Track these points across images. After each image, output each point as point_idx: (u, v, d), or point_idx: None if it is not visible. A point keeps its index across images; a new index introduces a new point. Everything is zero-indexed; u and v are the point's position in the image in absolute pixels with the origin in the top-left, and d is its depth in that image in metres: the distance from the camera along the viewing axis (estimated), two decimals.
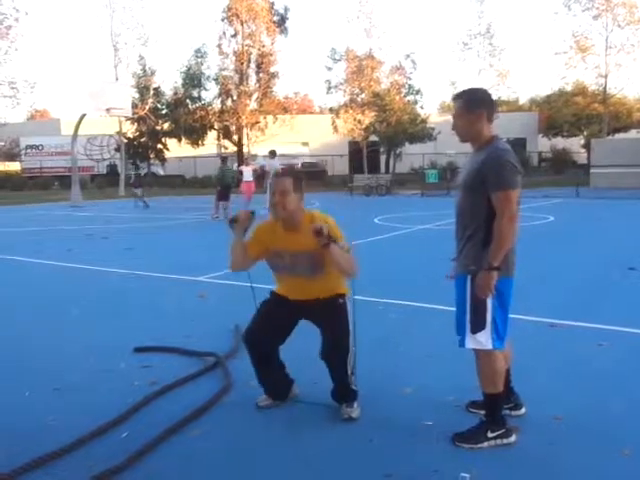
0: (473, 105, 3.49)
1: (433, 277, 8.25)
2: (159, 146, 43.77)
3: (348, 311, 3.93)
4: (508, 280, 3.47)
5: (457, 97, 3.60)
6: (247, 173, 21.35)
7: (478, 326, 3.45)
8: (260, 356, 4.05)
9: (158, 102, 41.65)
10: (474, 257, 3.43)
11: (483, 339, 3.46)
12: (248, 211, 4.06)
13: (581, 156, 47.20)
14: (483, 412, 3.67)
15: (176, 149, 42.94)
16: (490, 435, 3.51)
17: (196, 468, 3.36)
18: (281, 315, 4.04)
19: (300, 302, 3.99)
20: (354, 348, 3.89)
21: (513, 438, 3.55)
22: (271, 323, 4.02)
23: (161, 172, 46.17)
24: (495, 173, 3.32)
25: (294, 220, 3.87)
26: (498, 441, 3.52)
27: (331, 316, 3.90)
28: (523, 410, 3.90)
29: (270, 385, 4.15)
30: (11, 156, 48.43)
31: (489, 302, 3.42)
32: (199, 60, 41.19)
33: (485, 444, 3.49)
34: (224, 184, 19.08)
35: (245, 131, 38.91)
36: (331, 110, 42.95)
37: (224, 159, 20.55)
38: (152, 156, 44.49)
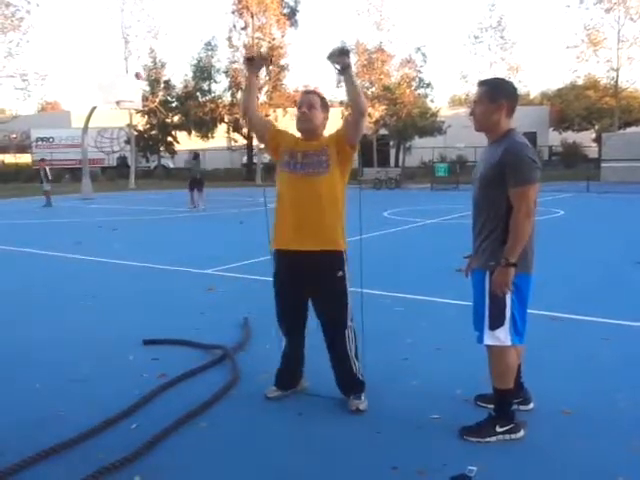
0: (495, 95, 3.43)
1: (442, 271, 8.29)
2: (169, 139, 43.81)
3: (347, 282, 3.92)
4: (527, 277, 3.46)
5: (482, 84, 3.55)
6: None
7: (497, 322, 3.42)
8: (294, 335, 4.11)
9: (168, 95, 41.65)
10: (493, 253, 3.40)
11: (502, 335, 3.43)
12: (264, 53, 4.09)
13: (592, 150, 46.85)
14: (492, 406, 3.68)
15: (186, 142, 42.99)
16: (499, 430, 3.51)
17: (205, 460, 3.38)
18: (294, 293, 4.02)
19: (302, 257, 3.88)
20: (352, 324, 3.92)
21: (521, 433, 3.54)
22: (292, 305, 4.05)
23: (171, 165, 46.24)
24: (513, 168, 3.29)
25: (315, 135, 3.93)
26: (506, 436, 3.51)
27: (330, 290, 3.90)
28: (532, 405, 3.90)
29: (290, 367, 4.17)
30: (22, 148, 48.59)
31: (508, 298, 3.39)
32: (209, 53, 41.12)
33: (493, 438, 3.49)
34: (192, 177, 20.50)
35: None
36: (341, 103, 42.82)
37: (196, 155, 21.20)
38: (162, 149, 44.56)
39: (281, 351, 4.19)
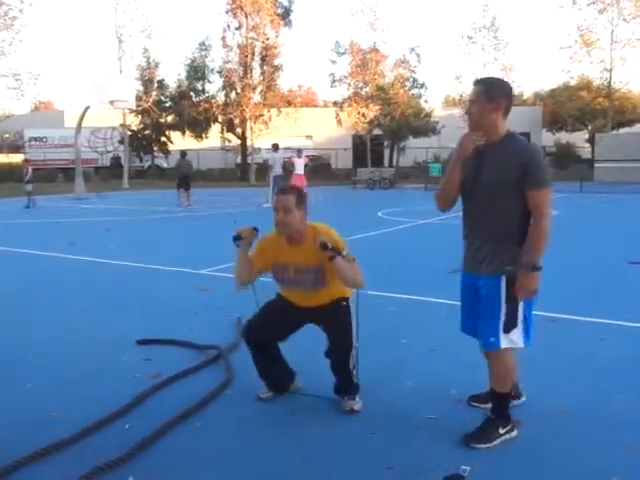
0: (493, 94, 3.33)
1: (436, 271, 8.29)
2: (163, 139, 43.75)
3: (351, 310, 3.94)
4: None
5: (478, 82, 3.43)
6: (299, 166, 20.81)
7: (511, 325, 3.39)
8: (260, 351, 4.08)
9: (162, 95, 41.61)
10: (511, 258, 3.34)
11: (516, 337, 3.41)
12: (251, 228, 4.07)
13: (585, 151, 47.01)
14: (484, 406, 3.70)
15: (180, 142, 42.91)
16: (501, 432, 3.50)
17: (198, 460, 3.37)
18: (285, 316, 4.07)
19: (305, 308, 4.03)
20: (357, 344, 3.90)
21: (515, 432, 3.55)
22: (272, 320, 4.06)
23: (165, 165, 46.18)
24: (534, 170, 3.24)
25: (298, 235, 3.90)
26: (506, 436, 3.51)
27: (335, 318, 3.92)
28: (523, 398, 3.90)
29: (270, 378, 4.17)
30: (15, 148, 48.42)
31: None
32: (203, 53, 41.11)
33: (498, 441, 3.47)
34: (181, 175, 21.47)
35: (249, 124, 38.80)
36: (335, 103, 42.86)
37: (183, 154, 21.82)
38: (156, 149, 44.49)
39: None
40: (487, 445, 3.44)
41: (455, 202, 3.64)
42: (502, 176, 3.30)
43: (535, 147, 3.35)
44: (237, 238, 4.03)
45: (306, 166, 21.33)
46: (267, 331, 4.05)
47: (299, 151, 21.37)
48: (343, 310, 3.93)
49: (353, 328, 3.90)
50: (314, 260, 3.81)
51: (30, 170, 22.24)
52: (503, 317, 3.38)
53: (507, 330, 3.39)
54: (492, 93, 3.34)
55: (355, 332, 3.90)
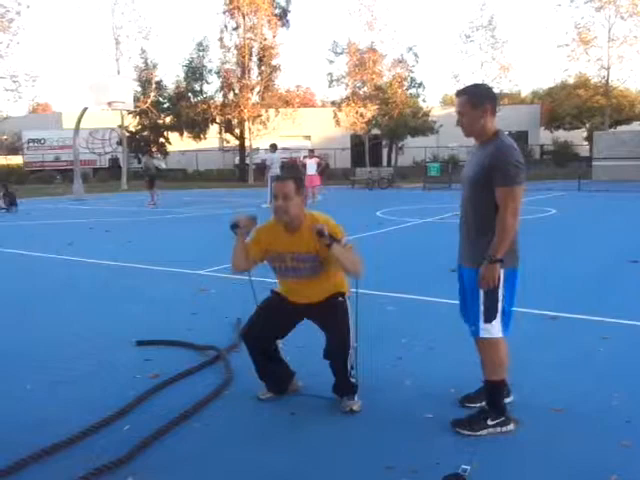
0: (477, 101, 3.53)
1: (435, 270, 8.30)
2: (161, 140, 43.70)
3: (348, 308, 3.93)
4: (515, 271, 3.56)
5: (460, 93, 3.64)
6: (310, 166, 21.10)
7: (491, 316, 3.53)
8: (259, 352, 4.07)
9: (160, 95, 41.54)
10: (485, 251, 3.48)
11: (495, 328, 3.54)
12: (249, 216, 4.04)
13: (583, 149, 47.05)
14: (479, 405, 3.75)
15: (178, 143, 42.88)
16: (490, 423, 3.55)
17: (198, 460, 3.37)
18: (282, 313, 4.06)
19: (301, 304, 4.02)
20: (356, 344, 3.90)
21: (512, 426, 3.58)
22: (271, 320, 4.04)
23: (163, 165, 46.12)
24: (500, 169, 3.38)
25: (296, 222, 3.89)
26: (497, 429, 3.55)
27: (331, 315, 3.91)
28: (511, 397, 3.92)
29: (270, 379, 4.17)
30: (13, 150, 48.42)
31: (500, 292, 3.49)
32: (201, 53, 41.04)
33: (484, 432, 3.52)
34: (149, 174, 22.40)
35: (247, 124, 38.81)
36: (333, 103, 42.88)
37: (150, 153, 21.87)
38: (154, 150, 44.43)
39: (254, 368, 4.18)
40: (470, 433, 3.52)
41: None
42: (476, 173, 3.53)
43: (506, 148, 3.46)
44: (234, 226, 3.98)
45: (319, 165, 21.58)
46: (264, 330, 4.03)
47: (311, 151, 21.71)
48: (340, 307, 3.91)
49: (351, 327, 3.88)
50: (311, 248, 3.81)
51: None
52: (482, 307, 3.53)
53: (487, 320, 3.54)
54: (475, 100, 3.54)
55: (354, 332, 3.89)
